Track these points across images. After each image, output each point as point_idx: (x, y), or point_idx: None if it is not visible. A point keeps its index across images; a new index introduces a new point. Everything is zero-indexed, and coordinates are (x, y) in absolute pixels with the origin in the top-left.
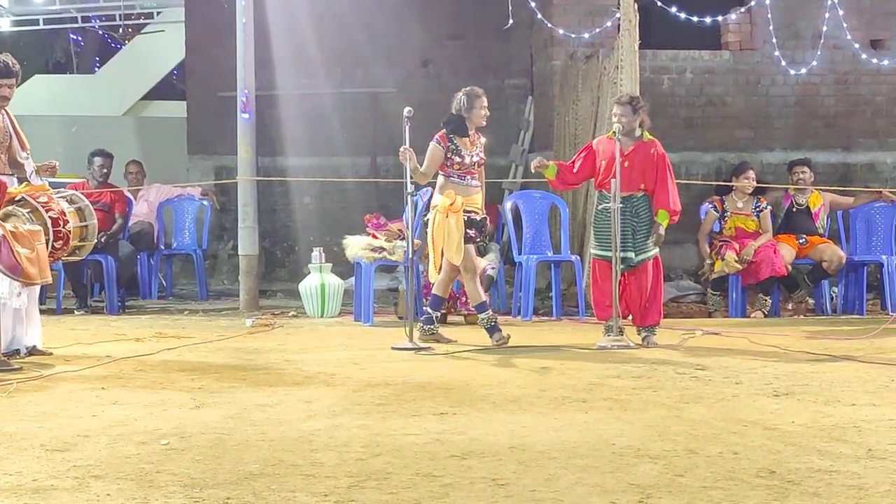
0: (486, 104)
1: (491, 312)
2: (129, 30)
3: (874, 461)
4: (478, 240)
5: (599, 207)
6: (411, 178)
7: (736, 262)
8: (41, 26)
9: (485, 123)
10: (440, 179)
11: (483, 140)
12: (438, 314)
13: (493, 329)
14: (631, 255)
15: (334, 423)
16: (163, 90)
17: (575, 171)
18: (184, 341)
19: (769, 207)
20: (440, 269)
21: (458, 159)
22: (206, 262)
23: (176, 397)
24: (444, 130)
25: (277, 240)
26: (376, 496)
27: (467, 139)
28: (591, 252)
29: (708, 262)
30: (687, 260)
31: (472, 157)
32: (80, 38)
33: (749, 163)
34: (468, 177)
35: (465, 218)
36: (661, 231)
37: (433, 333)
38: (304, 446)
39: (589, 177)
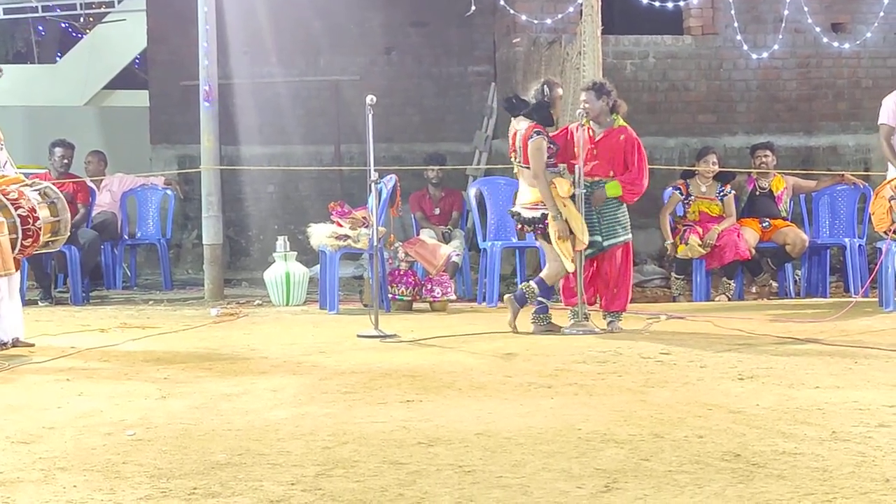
0: (561, 94)
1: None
2: (90, 19)
3: (838, 443)
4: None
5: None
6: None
7: (699, 246)
8: (1, 16)
9: (559, 115)
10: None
11: None
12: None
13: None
14: (598, 238)
15: (300, 411)
16: (125, 79)
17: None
18: (149, 331)
19: (733, 192)
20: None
21: (553, 148)
22: (170, 252)
23: (141, 388)
24: (534, 121)
25: (242, 229)
26: (343, 484)
27: (551, 128)
28: None
29: (669, 242)
30: (651, 245)
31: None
32: (41, 28)
33: (711, 147)
34: (553, 168)
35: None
36: (603, 195)
37: (548, 322)
38: (270, 435)
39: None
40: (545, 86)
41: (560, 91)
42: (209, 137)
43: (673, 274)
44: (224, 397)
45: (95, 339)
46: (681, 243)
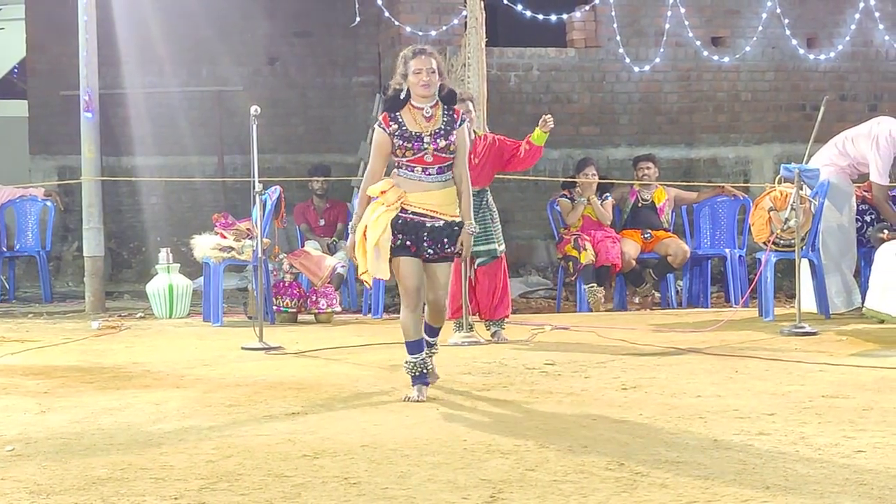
0: (424, 66)
1: (423, 357)
2: None
3: (720, 451)
4: (427, 253)
5: None
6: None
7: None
8: None
9: (424, 92)
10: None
11: (451, 114)
12: (417, 358)
13: (417, 378)
14: (495, 246)
15: (184, 425)
16: (3, 89)
17: None
18: (28, 345)
19: (611, 199)
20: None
21: (405, 144)
22: (50, 264)
23: (20, 402)
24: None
25: (124, 240)
26: (227, 498)
27: (420, 114)
28: None
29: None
30: (536, 256)
31: (430, 140)
32: None
33: (590, 159)
34: (419, 167)
35: (401, 220)
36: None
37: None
38: (153, 449)
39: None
40: (401, 59)
41: (412, 65)
42: (90, 148)
43: (586, 287)
44: (105, 411)
45: None
46: (578, 251)
